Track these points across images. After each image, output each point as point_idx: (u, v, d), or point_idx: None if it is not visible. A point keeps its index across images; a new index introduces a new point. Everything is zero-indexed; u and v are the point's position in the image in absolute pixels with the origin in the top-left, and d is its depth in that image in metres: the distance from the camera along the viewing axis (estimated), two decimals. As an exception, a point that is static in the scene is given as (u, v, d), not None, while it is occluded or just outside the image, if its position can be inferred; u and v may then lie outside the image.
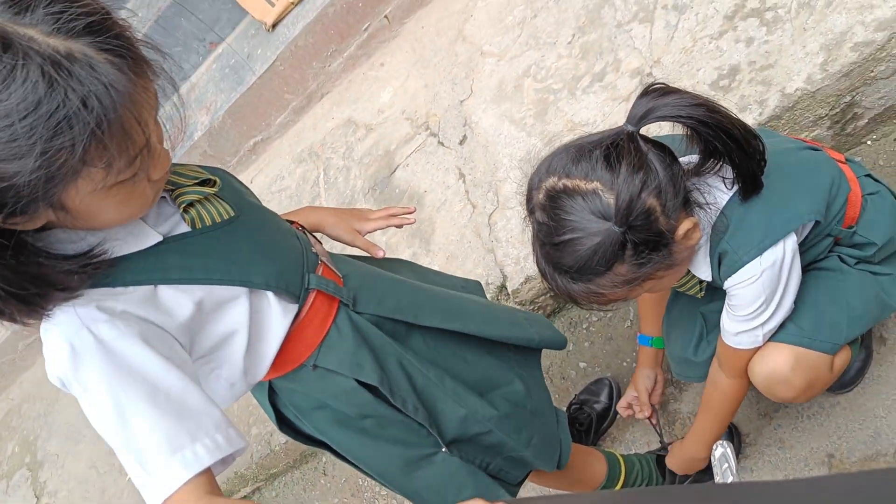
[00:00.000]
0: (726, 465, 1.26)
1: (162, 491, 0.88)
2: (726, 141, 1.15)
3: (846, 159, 1.47)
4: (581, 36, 2.37)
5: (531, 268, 2.15)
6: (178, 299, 0.98)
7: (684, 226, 1.18)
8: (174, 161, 1.00)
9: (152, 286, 0.96)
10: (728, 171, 1.23)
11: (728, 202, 1.25)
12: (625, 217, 1.11)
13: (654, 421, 1.86)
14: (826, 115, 1.79)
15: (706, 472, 1.81)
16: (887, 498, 0.62)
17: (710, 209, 1.23)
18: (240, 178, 1.21)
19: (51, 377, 0.92)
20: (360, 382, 1.22)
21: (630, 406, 1.88)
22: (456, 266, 2.35)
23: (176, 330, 0.97)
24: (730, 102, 1.88)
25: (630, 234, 1.13)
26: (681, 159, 1.21)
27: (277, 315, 1.14)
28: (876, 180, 1.48)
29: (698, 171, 1.22)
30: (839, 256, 1.43)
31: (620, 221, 1.11)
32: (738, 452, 1.82)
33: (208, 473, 0.91)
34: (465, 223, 2.40)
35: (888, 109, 1.81)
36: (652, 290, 1.37)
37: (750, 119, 1.82)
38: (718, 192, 1.25)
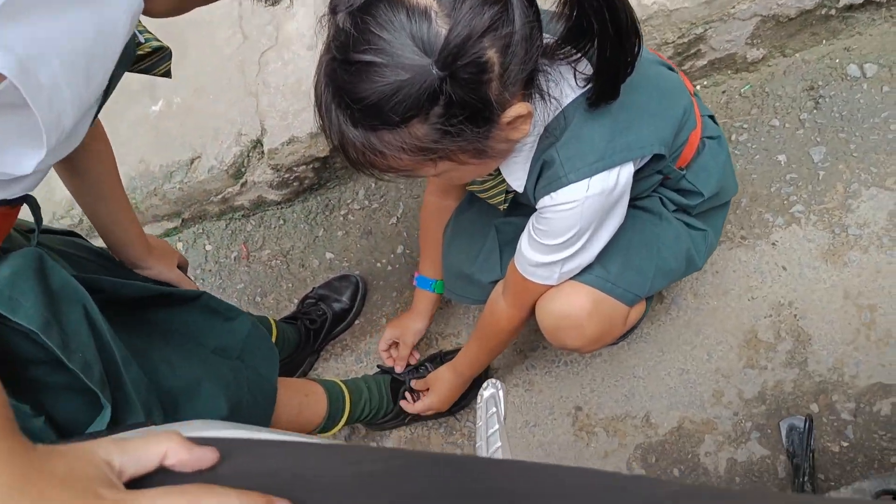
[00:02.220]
0: (493, 409, 1.01)
1: None
2: (606, 24, 0.86)
3: (694, 93, 1.26)
4: None
5: (300, 127, 1.74)
6: None
7: (516, 109, 0.88)
8: None
9: None
10: (584, 65, 0.95)
11: (572, 102, 0.97)
12: (451, 59, 0.79)
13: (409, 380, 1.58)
14: (672, 41, 1.58)
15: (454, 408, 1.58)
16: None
17: (551, 104, 0.94)
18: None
19: None
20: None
21: (391, 353, 1.60)
22: (205, 104, 1.87)
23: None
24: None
25: (450, 84, 0.80)
26: None
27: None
28: (716, 124, 1.29)
29: (553, 52, 0.92)
30: (661, 198, 1.23)
31: (443, 63, 0.79)
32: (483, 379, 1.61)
33: None
34: (229, 54, 1.91)
35: (728, 57, 1.65)
36: (445, 178, 1.06)
37: (597, 19, 1.56)
38: (566, 86, 0.96)
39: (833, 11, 1.58)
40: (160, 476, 0.46)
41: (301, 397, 1.30)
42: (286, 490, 0.43)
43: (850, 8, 1.58)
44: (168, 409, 0.90)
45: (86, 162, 1.07)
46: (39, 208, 0.93)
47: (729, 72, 1.70)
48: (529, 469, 0.45)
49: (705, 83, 1.71)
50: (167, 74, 0.97)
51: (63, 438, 0.84)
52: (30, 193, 0.83)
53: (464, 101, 0.81)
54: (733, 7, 1.54)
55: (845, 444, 1.41)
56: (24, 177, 0.74)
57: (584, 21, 0.87)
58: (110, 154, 1.12)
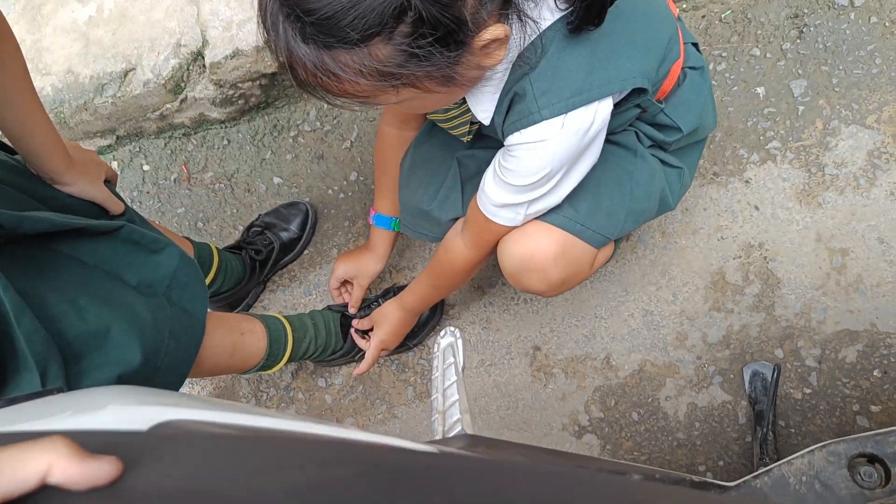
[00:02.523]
0: (451, 360, 0.92)
1: None
2: None
3: (678, 17, 1.15)
4: None
5: (245, 39, 1.59)
6: None
7: (493, 31, 0.77)
8: None
9: None
10: None
11: (551, 26, 0.85)
12: None
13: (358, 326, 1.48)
14: (654, -42, 1.46)
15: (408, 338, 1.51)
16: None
17: (528, 27, 0.83)
18: None
19: None
20: None
21: (341, 293, 1.50)
22: (139, 9, 1.70)
23: None
24: None
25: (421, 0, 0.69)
26: None
27: None
28: (699, 53, 1.18)
29: None
30: (636, 133, 1.13)
31: None
32: (439, 321, 1.54)
33: None
34: (166, -46, 1.73)
35: (711, -21, 1.54)
36: (406, 107, 0.95)
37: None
38: (545, 8, 0.85)
39: (825, -68, 1.47)
40: (44, 497, 0.36)
41: (236, 336, 1.20)
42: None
43: (843, -71, 1.47)
44: (70, 361, 0.79)
45: None
46: None
47: (710, -5, 1.58)
48: (511, 480, 0.37)
49: (684, 6, 1.60)
50: None
51: None
52: None
53: (435, 20, 0.70)
54: (720, -78, 1.42)
55: (808, 391, 1.37)
56: None
57: None
58: (16, 55, 0.97)
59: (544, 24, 0.85)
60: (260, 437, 0.47)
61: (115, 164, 1.84)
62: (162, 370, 0.95)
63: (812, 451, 0.88)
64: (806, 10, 1.54)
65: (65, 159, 1.03)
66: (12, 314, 0.71)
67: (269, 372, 1.39)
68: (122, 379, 0.87)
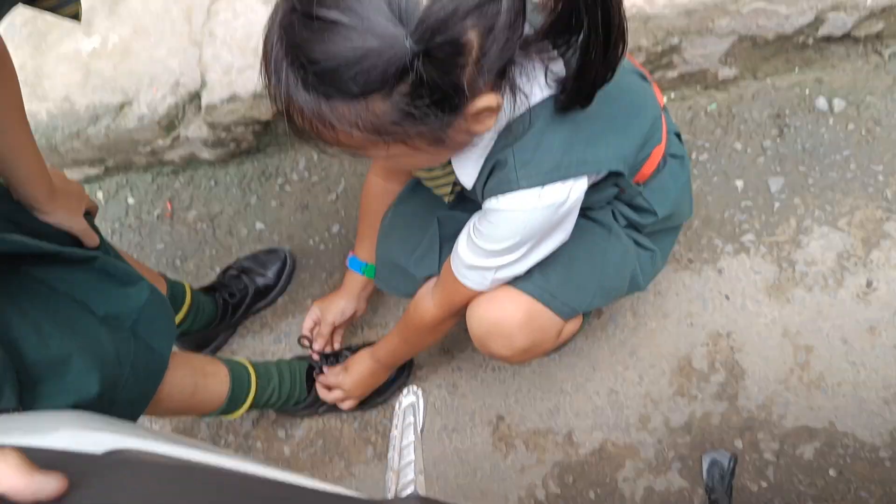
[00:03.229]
0: (411, 419, 0.92)
1: None
2: (598, 24, 0.78)
3: (664, 107, 1.19)
4: None
5: (244, 85, 1.62)
6: None
7: (486, 100, 0.80)
8: None
9: None
10: (558, 66, 0.87)
11: (540, 103, 0.89)
12: (428, 34, 0.70)
13: (317, 358, 1.48)
14: (646, 48, 1.51)
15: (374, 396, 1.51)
16: None
17: (519, 100, 0.86)
18: None
19: None
20: None
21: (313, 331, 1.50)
22: (143, 46, 1.73)
23: None
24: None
25: (422, 63, 0.72)
26: None
27: None
28: (681, 143, 1.22)
29: (526, 45, 0.84)
30: (613, 211, 1.16)
31: (419, 37, 0.70)
32: (406, 381, 1.53)
33: None
34: (176, -4, 1.77)
35: (700, 72, 1.59)
36: (393, 162, 0.98)
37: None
38: (536, 85, 0.88)
39: (810, 40, 1.53)
40: None
41: (199, 377, 1.19)
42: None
43: (827, 39, 1.53)
44: (27, 385, 0.79)
45: None
46: None
47: (698, 87, 1.64)
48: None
49: (672, 96, 1.65)
50: (76, 17, 0.84)
51: None
52: None
53: (434, 84, 0.73)
54: (713, 21, 1.47)
55: (764, 485, 1.37)
56: None
57: (571, 16, 0.78)
58: (12, 83, 0.98)
59: (534, 100, 0.89)
60: (212, 471, 0.47)
61: (100, 195, 1.85)
62: (118, 403, 0.95)
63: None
64: (788, 112, 1.59)
65: (48, 189, 1.03)
66: None
67: (230, 417, 1.38)
68: (77, 408, 0.87)
